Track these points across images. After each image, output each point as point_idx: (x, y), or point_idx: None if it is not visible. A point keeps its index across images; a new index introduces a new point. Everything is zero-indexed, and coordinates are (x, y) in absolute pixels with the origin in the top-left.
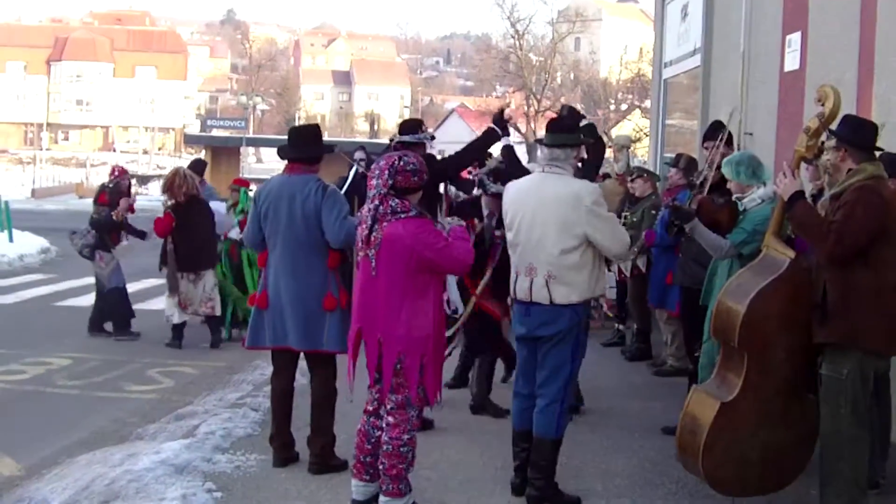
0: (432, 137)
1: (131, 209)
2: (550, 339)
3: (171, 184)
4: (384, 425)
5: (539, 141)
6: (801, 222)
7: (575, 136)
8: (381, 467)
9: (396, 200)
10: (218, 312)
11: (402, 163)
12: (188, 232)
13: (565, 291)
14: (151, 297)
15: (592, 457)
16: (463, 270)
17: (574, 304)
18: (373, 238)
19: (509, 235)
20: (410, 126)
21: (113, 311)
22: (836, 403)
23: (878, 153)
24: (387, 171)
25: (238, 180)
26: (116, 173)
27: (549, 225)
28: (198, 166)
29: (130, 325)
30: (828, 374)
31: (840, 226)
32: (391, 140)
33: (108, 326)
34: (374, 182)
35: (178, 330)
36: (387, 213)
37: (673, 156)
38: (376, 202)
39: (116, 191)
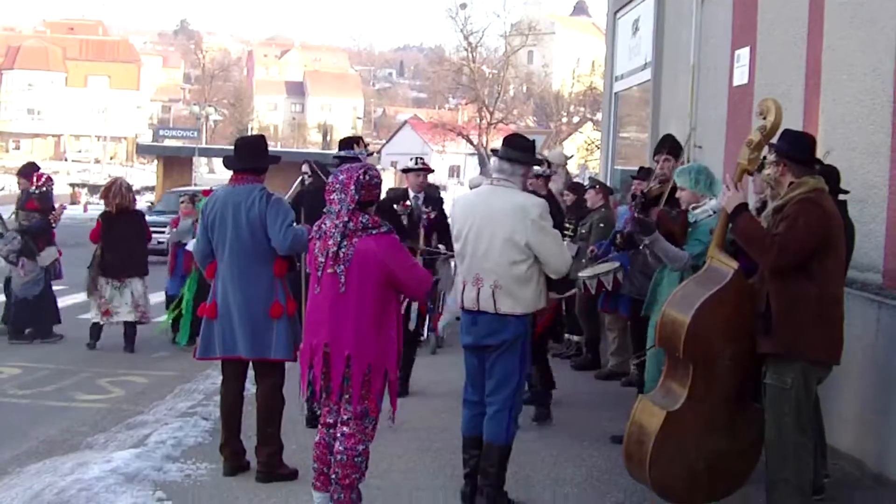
0: (369, 154)
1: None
2: (498, 349)
3: (107, 193)
4: (338, 435)
5: (494, 151)
6: (744, 234)
7: (528, 156)
8: (333, 477)
9: (366, 216)
10: (150, 320)
11: (367, 177)
12: (115, 240)
13: (510, 303)
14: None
15: (542, 466)
16: (420, 292)
17: (518, 315)
18: (342, 254)
19: (457, 246)
20: (347, 142)
21: (30, 318)
22: (780, 412)
23: (818, 166)
24: (353, 186)
25: (207, 192)
26: (44, 179)
27: (496, 236)
28: (27, 170)
29: (52, 331)
30: (772, 383)
31: (783, 237)
32: (335, 156)
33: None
34: (335, 197)
35: (94, 332)
36: (357, 228)
37: (636, 169)
38: (345, 218)
39: (47, 197)
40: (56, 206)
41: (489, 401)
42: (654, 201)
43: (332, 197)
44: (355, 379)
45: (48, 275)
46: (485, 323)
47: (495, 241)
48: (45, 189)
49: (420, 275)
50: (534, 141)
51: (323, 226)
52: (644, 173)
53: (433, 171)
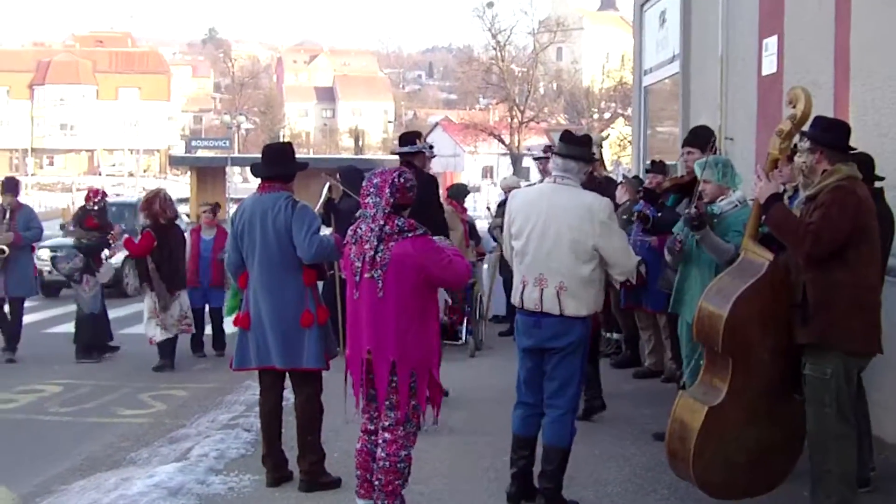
0: (431, 147)
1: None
2: (561, 351)
3: (151, 205)
4: (380, 441)
5: (549, 149)
6: (778, 224)
7: (587, 151)
8: (376, 483)
9: (402, 219)
10: (194, 331)
11: (401, 179)
12: (168, 253)
13: (575, 304)
14: (134, 321)
15: (584, 465)
16: (462, 285)
17: (583, 317)
18: (379, 258)
19: (516, 244)
20: (409, 138)
21: (94, 334)
22: (821, 403)
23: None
24: (388, 189)
25: None
26: (100, 196)
27: (563, 236)
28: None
29: (108, 347)
30: (811, 373)
31: (817, 226)
32: (393, 152)
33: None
34: (370, 200)
35: (165, 349)
36: (394, 232)
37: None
38: (381, 221)
39: (104, 213)
40: (114, 226)
41: (551, 403)
42: (660, 195)
43: (366, 201)
44: (402, 384)
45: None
46: (549, 326)
47: (561, 242)
48: (102, 205)
49: (459, 269)
50: (589, 135)
51: (359, 230)
52: (658, 167)
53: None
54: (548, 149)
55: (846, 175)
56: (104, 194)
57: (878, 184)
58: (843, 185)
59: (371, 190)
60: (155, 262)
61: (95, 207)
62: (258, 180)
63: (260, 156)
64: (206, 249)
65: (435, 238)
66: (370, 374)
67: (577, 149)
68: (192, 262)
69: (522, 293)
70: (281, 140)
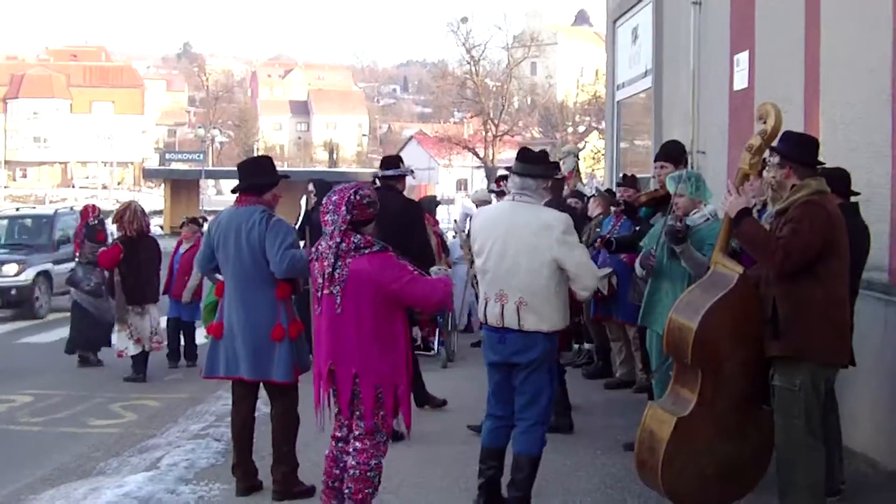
0: (412, 172)
1: None
2: (527, 367)
3: (122, 217)
4: (351, 450)
5: (509, 169)
6: (749, 239)
7: (545, 168)
8: (346, 492)
9: (359, 236)
10: (163, 347)
11: (357, 196)
12: (135, 266)
13: (535, 320)
14: None
15: (554, 475)
16: (426, 305)
17: (545, 332)
18: (337, 275)
19: (478, 262)
20: (392, 161)
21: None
22: (790, 414)
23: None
24: (344, 207)
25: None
26: (97, 211)
27: (521, 253)
28: None
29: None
30: (780, 385)
31: (787, 241)
32: (375, 176)
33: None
34: (328, 218)
35: (139, 363)
36: (350, 249)
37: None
38: (337, 239)
39: (104, 227)
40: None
41: (521, 416)
42: (637, 208)
43: (325, 218)
44: (366, 397)
45: None
46: (512, 341)
47: (520, 258)
48: (100, 218)
49: (422, 288)
50: (545, 151)
51: (319, 247)
52: (629, 181)
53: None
54: (508, 169)
55: (815, 190)
56: (99, 209)
57: (853, 198)
58: (813, 200)
59: (330, 207)
60: (121, 275)
61: (96, 222)
62: (230, 193)
63: (236, 168)
64: (177, 262)
65: (433, 269)
66: (334, 386)
67: (533, 167)
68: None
69: (486, 309)
70: (255, 152)
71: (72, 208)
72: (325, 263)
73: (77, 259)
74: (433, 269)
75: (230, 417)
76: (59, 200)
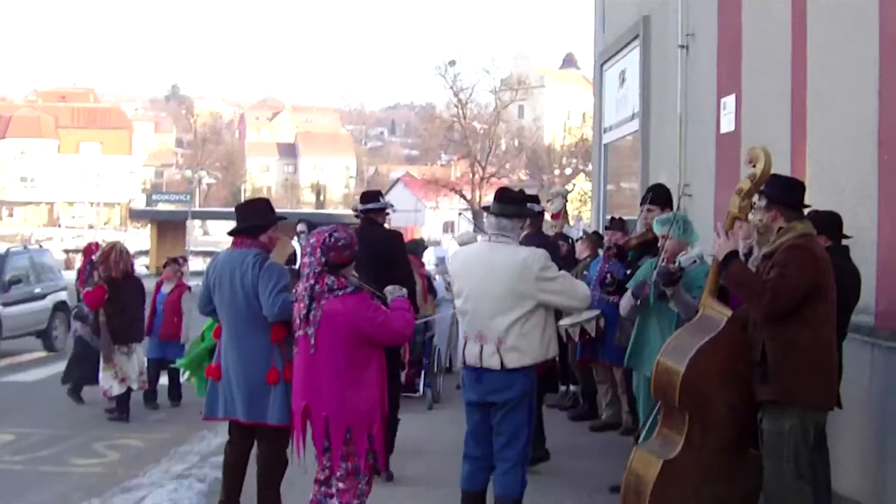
0: (391, 205)
1: None
2: (504, 406)
3: (107, 258)
4: (334, 491)
5: (486, 209)
6: (737, 281)
7: (521, 207)
8: None
9: (332, 278)
10: (147, 386)
11: (332, 239)
12: (120, 306)
13: (516, 356)
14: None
15: None
16: (401, 342)
17: (525, 369)
18: (311, 316)
19: (458, 303)
20: (372, 195)
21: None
22: (779, 458)
23: (806, 210)
24: (319, 249)
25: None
26: (98, 249)
27: (500, 295)
28: None
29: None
30: (769, 429)
31: (774, 284)
32: (355, 209)
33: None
34: (306, 260)
35: (122, 403)
36: (324, 290)
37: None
38: (311, 281)
39: None
40: None
41: (501, 457)
42: (627, 252)
43: (304, 260)
44: (335, 439)
45: None
46: (490, 380)
47: (498, 299)
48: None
49: (394, 327)
50: (523, 190)
51: (297, 289)
52: (616, 224)
53: None
54: (486, 209)
55: (801, 233)
56: (98, 245)
57: (844, 241)
58: (800, 244)
59: (308, 250)
60: (106, 315)
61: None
62: (219, 233)
63: (223, 210)
64: (160, 302)
65: (388, 288)
66: (311, 428)
67: (508, 207)
68: (151, 315)
69: (465, 349)
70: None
71: (25, 247)
72: (302, 305)
73: (82, 295)
74: (388, 288)
75: (215, 458)
76: (46, 240)
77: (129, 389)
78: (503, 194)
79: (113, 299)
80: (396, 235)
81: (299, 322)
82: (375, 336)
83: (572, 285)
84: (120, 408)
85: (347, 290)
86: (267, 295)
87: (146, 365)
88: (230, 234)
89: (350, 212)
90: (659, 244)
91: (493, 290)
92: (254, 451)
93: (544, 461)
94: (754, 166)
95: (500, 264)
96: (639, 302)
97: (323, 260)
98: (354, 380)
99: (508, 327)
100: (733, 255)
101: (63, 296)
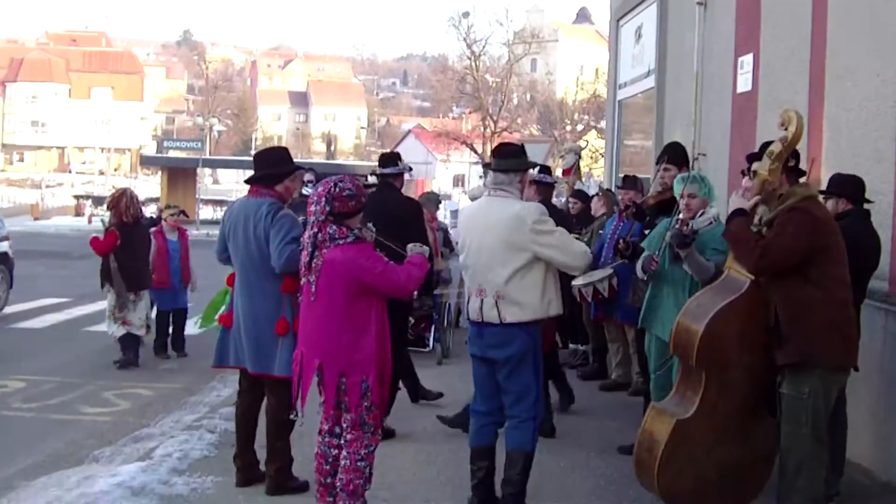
0: (410, 169)
1: None
2: (507, 364)
3: (118, 203)
4: (342, 442)
5: (487, 165)
6: (734, 238)
7: (520, 161)
8: (338, 484)
9: (334, 227)
10: (152, 334)
11: (337, 189)
12: (131, 252)
13: (515, 311)
14: (99, 319)
15: (549, 477)
16: (403, 294)
17: (526, 325)
18: (313, 264)
19: (461, 258)
20: (390, 158)
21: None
22: (797, 422)
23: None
24: (324, 198)
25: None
26: None
27: (496, 247)
28: None
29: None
30: (788, 393)
31: (767, 242)
32: (372, 173)
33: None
34: (312, 209)
35: (127, 346)
36: (325, 239)
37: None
38: (315, 229)
39: None
40: None
41: (510, 413)
42: (646, 211)
43: (311, 209)
44: (328, 387)
45: None
46: (491, 335)
47: (495, 252)
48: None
49: (395, 279)
50: (522, 145)
51: (303, 238)
52: (630, 182)
53: None
54: (487, 165)
55: (802, 196)
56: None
57: (866, 205)
58: (799, 206)
59: (314, 199)
60: (118, 261)
61: None
62: (229, 182)
63: (233, 158)
64: (175, 250)
65: (410, 245)
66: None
67: (506, 161)
68: (163, 264)
69: (469, 303)
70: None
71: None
72: (304, 253)
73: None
74: (409, 245)
75: (225, 409)
76: (56, 185)
77: (136, 336)
78: (501, 149)
79: (125, 245)
80: (412, 202)
81: (302, 269)
82: (375, 285)
83: (569, 241)
84: (125, 351)
85: (348, 239)
86: (276, 245)
87: (155, 314)
88: (247, 181)
89: (360, 163)
90: (683, 202)
91: (490, 243)
92: (264, 403)
93: (549, 436)
94: (786, 129)
95: (495, 217)
96: (647, 277)
97: (327, 209)
98: (351, 329)
99: (507, 280)
100: (740, 212)
101: (4, 246)
